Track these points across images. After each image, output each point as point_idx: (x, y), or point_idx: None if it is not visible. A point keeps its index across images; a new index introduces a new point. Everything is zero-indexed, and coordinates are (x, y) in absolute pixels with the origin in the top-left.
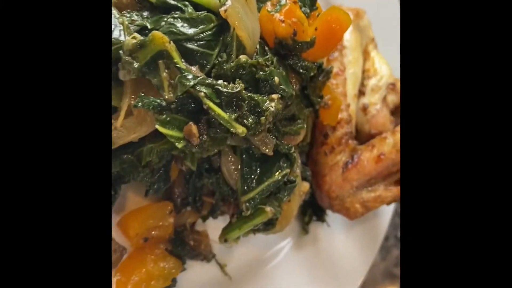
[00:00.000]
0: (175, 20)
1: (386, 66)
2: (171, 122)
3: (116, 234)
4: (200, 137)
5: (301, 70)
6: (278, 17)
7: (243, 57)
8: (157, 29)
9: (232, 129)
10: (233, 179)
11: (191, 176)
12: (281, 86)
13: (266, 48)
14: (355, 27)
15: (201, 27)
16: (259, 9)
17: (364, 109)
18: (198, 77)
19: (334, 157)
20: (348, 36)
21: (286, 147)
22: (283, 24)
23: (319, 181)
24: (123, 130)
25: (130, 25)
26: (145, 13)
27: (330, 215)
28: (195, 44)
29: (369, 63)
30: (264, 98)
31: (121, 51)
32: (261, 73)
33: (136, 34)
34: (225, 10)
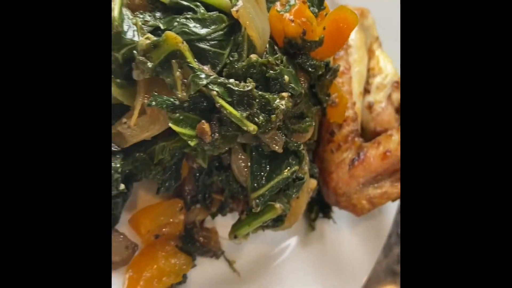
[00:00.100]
0: (188, 20)
1: (391, 64)
2: (184, 121)
3: (127, 231)
4: (212, 135)
5: (309, 69)
6: (288, 17)
7: (253, 56)
8: (170, 30)
9: (243, 127)
10: (243, 176)
11: (201, 173)
12: (291, 85)
13: (276, 47)
14: (360, 26)
15: (213, 27)
16: (268, 9)
17: (370, 107)
18: (210, 76)
19: (341, 155)
20: (353, 35)
21: (295, 144)
22: (293, 24)
23: (326, 178)
24: (137, 129)
25: (143, 26)
26: (158, 14)
27: (336, 212)
28: (207, 44)
29: (373, 62)
30: (275, 96)
31: (135, 51)
32: (271, 72)
33: (149, 35)
34: (237, 11)
